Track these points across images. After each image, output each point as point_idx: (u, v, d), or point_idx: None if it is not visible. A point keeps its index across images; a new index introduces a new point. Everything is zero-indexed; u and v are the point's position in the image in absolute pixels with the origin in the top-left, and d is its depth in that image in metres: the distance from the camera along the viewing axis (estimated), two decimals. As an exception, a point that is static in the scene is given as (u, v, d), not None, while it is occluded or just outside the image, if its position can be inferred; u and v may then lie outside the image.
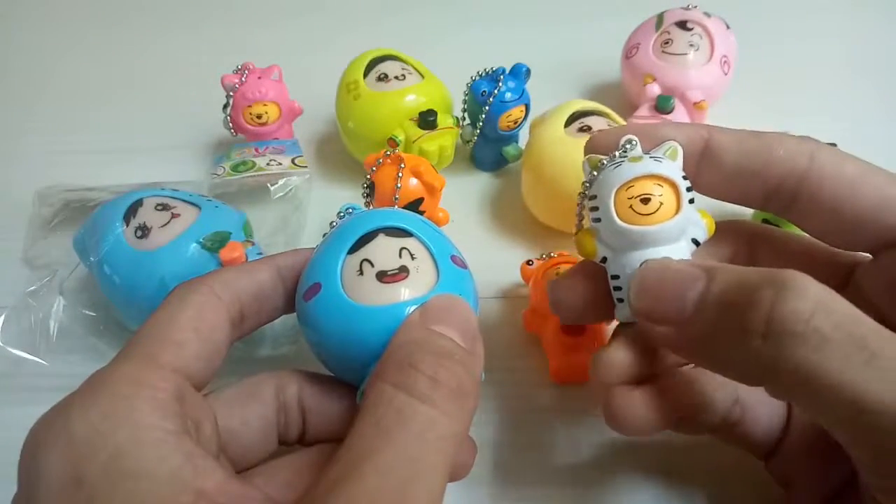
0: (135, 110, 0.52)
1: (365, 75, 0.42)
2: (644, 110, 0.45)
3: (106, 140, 0.49)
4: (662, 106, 0.44)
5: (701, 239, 0.24)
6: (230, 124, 0.44)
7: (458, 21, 0.61)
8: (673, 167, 0.24)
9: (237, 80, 0.43)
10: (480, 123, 0.42)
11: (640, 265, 0.23)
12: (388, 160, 0.36)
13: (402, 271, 0.24)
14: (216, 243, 0.32)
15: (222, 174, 0.41)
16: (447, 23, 0.61)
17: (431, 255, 0.25)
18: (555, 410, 0.32)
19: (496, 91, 0.41)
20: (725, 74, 0.45)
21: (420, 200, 0.36)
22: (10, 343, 0.34)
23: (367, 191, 0.37)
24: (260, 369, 0.26)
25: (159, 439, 0.19)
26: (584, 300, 0.26)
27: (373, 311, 0.23)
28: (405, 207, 0.36)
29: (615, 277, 0.24)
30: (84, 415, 0.19)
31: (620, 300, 0.24)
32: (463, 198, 0.43)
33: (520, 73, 0.41)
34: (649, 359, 0.25)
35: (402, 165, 0.36)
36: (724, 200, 0.27)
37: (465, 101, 0.43)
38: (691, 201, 0.24)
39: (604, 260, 0.25)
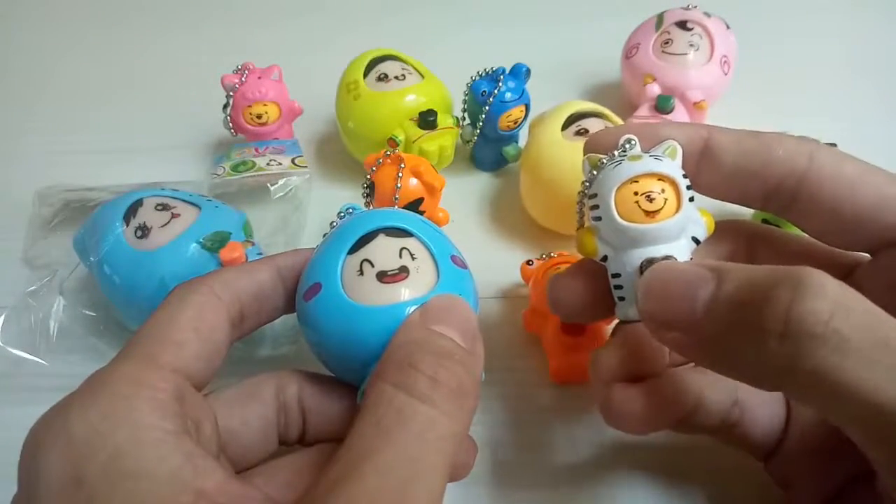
0: (135, 110, 0.52)
1: (365, 75, 0.42)
2: (644, 110, 0.45)
3: (106, 140, 0.49)
4: (662, 106, 0.44)
5: (701, 237, 0.24)
6: (230, 124, 0.44)
7: (458, 21, 0.61)
8: (673, 166, 0.24)
9: (237, 80, 0.43)
10: (480, 123, 0.42)
11: (641, 263, 0.23)
12: (388, 160, 0.36)
13: (403, 271, 0.24)
14: (216, 243, 0.32)
15: (222, 174, 0.41)
16: (447, 23, 0.61)
17: (432, 255, 0.25)
18: (555, 410, 0.32)
19: (496, 91, 0.41)
20: (725, 74, 0.45)
21: (420, 200, 0.36)
22: (10, 343, 0.34)
23: (367, 191, 0.37)
24: (260, 369, 0.26)
25: (159, 439, 0.19)
26: (584, 299, 0.26)
27: (373, 312, 0.23)
28: (405, 207, 0.36)
29: (616, 276, 0.24)
30: (84, 415, 0.19)
31: (621, 298, 0.25)
32: (463, 198, 0.43)
33: (520, 73, 0.41)
34: (647, 359, 0.25)
35: (402, 165, 0.36)
36: (723, 200, 0.27)
37: (465, 101, 0.43)
38: (691, 199, 0.24)
39: (604, 258, 0.25)
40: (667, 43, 0.45)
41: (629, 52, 0.47)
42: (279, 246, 0.38)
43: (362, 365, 0.23)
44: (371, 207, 0.37)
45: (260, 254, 0.34)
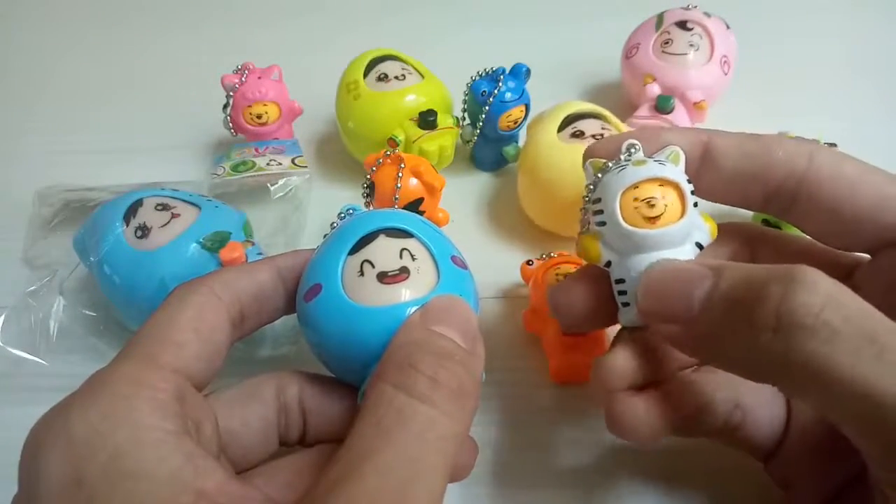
0: (135, 110, 0.52)
1: (365, 75, 0.42)
2: (644, 110, 0.45)
3: (106, 140, 0.49)
4: (662, 106, 0.44)
5: (704, 243, 0.24)
6: (230, 124, 0.44)
7: (458, 21, 0.61)
8: (677, 171, 0.24)
9: (237, 80, 0.43)
10: (480, 123, 0.42)
11: (646, 268, 0.23)
12: (388, 160, 0.36)
13: (403, 272, 0.24)
14: (216, 243, 0.32)
15: (222, 174, 0.41)
16: (447, 23, 0.61)
17: (432, 255, 0.25)
18: (555, 410, 0.32)
19: (496, 91, 0.41)
20: (725, 74, 0.45)
21: (420, 200, 0.36)
22: (10, 343, 0.34)
23: (367, 191, 0.37)
24: (260, 370, 0.26)
25: (159, 440, 0.19)
26: (586, 306, 0.26)
27: (373, 312, 0.23)
28: (405, 207, 0.36)
29: (620, 281, 0.24)
30: (84, 415, 0.19)
31: (625, 304, 0.24)
32: (463, 198, 0.43)
33: (520, 73, 0.41)
34: (651, 364, 0.25)
35: (402, 165, 0.36)
36: (723, 203, 0.27)
37: (465, 101, 0.43)
38: (695, 205, 0.24)
39: (608, 264, 0.25)
40: (667, 43, 0.45)
41: (629, 52, 0.47)
42: (279, 246, 0.38)
43: (363, 366, 0.23)
44: (371, 207, 0.37)
45: (260, 254, 0.34)
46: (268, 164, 0.42)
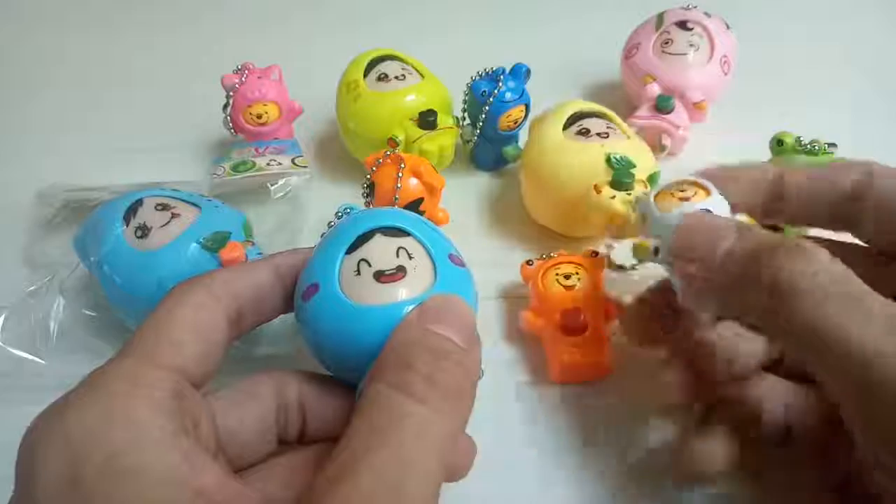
0: (135, 110, 0.52)
1: (365, 75, 0.42)
2: (644, 110, 0.45)
3: (106, 140, 0.50)
4: (662, 106, 0.44)
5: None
6: (230, 124, 0.44)
7: (458, 21, 0.61)
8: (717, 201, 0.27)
9: (237, 80, 0.43)
10: (480, 123, 0.42)
11: (685, 213, 0.26)
12: (388, 160, 0.36)
13: (400, 271, 0.24)
14: (216, 243, 0.32)
15: (222, 174, 0.41)
16: (447, 23, 0.61)
17: (429, 254, 0.25)
18: (555, 410, 0.32)
19: (496, 91, 0.41)
20: (725, 74, 0.45)
21: (420, 200, 0.36)
22: (10, 343, 0.34)
23: (367, 191, 0.37)
24: (259, 368, 0.26)
25: (157, 438, 0.19)
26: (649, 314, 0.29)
27: (370, 311, 0.23)
28: (405, 207, 0.36)
29: (657, 246, 0.27)
30: (81, 414, 0.19)
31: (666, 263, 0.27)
32: (463, 198, 0.43)
33: (520, 73, 0.41)
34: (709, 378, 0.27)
35: (402, 165, 0.36)
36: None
37: (465, 101, 0.43)
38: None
39: (656, 251, 0.27)
40: (667, 43, 0.45)
41: (629, 52, 0.47)
42: (279, 246, 0.38)
43: (360, 365, 0.23)
44: (371, 207, 0.37)
45: (260, 254, 0.34)
46: (268, 164, 0.42)
